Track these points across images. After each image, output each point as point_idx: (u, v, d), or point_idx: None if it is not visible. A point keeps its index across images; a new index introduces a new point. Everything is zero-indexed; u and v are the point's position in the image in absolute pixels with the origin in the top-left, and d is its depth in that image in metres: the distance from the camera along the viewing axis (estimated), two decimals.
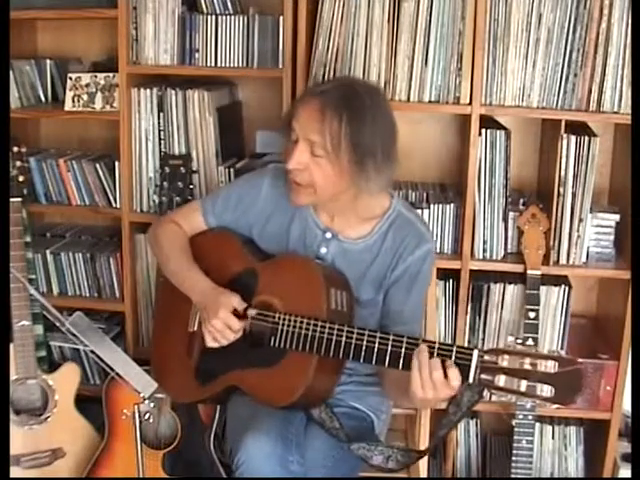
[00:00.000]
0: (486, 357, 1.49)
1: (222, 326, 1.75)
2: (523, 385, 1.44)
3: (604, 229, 2.33)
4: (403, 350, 1.59)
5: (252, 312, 1.79)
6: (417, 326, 1.87)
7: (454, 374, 1.52)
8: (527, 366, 1.44)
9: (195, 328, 1.87)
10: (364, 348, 1.63)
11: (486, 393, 2.43)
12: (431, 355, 1.54)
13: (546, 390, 1.42)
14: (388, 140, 1.76)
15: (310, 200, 1.81)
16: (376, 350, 1.62)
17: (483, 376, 1.48)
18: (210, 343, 1.79)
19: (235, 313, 1.77)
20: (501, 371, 1.46)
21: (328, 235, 1.87)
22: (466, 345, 2.27)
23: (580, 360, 2.28)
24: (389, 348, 1.60)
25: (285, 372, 1.72)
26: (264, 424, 1.72)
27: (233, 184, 2.05)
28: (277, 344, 1.72)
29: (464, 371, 1.51)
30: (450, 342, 1.60)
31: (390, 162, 1.76)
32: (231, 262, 1.89)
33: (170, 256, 1.95)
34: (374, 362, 1.62)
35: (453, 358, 1.53)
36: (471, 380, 1.50)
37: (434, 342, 1.57)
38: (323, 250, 1.87)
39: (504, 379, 1.46)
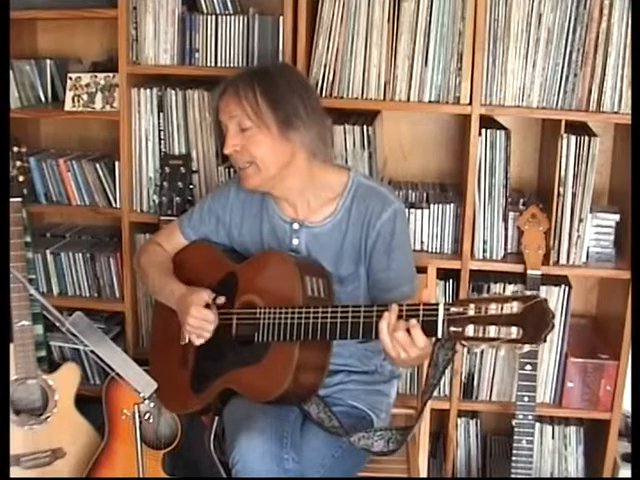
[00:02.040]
0: (452, 309, 1.48)
1: (197, 321, 1.80)
2: (492, 331, 1.43)
3: (604, 229, 2.32)
4: (374, 319, 1.59)
5: (221, 299, 1.83)
6: (409, 287, 1.87)
7: (417, 334, 1.52)
8: (493, 311, 1.43)
9: (187, 340, 1.88)
10: (338, 324, 1.64)
11: (485, 388, 2.45)
12: (400, 318, 1.55)
13: (515, 331, 1.41)
14: (307, 95, 1.83)
15: (259, 179, 1.83)
16: (349, 324, 1.62)
17: (452, 328, 1.47)
18: (196, 341, 1.84)
19: (214, 307, 1.82)
20: (469, 320, 1.45)
21: (295, 226, 1.90)
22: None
23: (580, 360, 2.32)
24: (361, 320, 1.61)
25: (271, 365, 1.74)
26: (258, 423, 1.73)
27: (204, 198, 2.10)
28: (262, 339, 1.74)
29: (432, 326, 1.50)
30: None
31: (317, 115, 1.83)
32: (213, 270, 1.94)
33: (150, 274, 2.02)
34: (349, 336, 1.63)
35: (421, 316, 1.52)
36: (440, 334, 1.49)
37: (402, 305, 1.57)
38: (295, 242, 1.90)
39: (473, 328, 1.44)
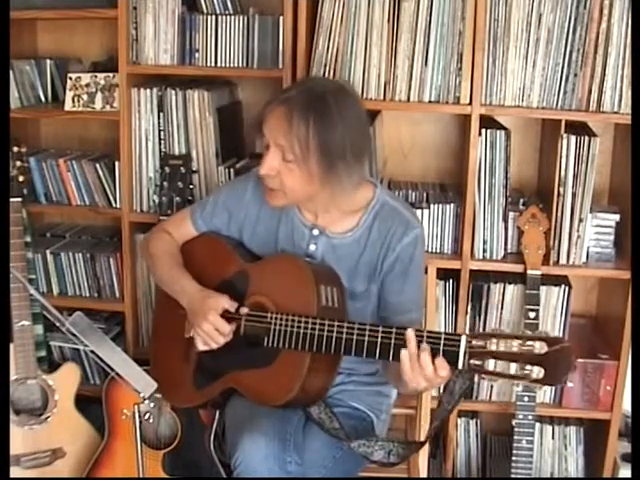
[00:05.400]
0: (474, 342, 1.48)
1: (211, 329, 1.76)
2: (513, 368, 1.43)
3: (604, 229, 2.32)
4: (392, 341, 1.58)
5: (244, 310, 1.80)
6: (417, 314, 1.86)
7: (442, 364, 1.52)
8: (515, 348, 1.43)
9: (191, 334, 1.87)
10: (354, 342, 1.63)
11: (485, 388, 2.45)
12: (420, 343, 1.54)
13: (536, 371, 1.41)
14: (358, 139, 1.76)
15: (284, 202, 1.81)
16: (366, 343, 1.61)
17: (472, 361, 1.47)
18: (200, 347, 1.81)
19: (226, 314, 1.78)
20: (490, 355, 1.45)
21: (315, 232, 1.88)
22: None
23: (580, 360, 2.32)
24: (379, 340, 1.60)
25: (280, 371, 1.73)
26: (261, 424, 1.72)
27: (220, 190, 2.07)
28: (271, 344, 1.72)
29: (453, 357, 1.50)
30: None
31: (361, 161, 1.78)
32: (223, 265, 1.91)
33: (159, 264, 1.98)
34: (365, 355, 1.62)
35: (442, 345, 1.52)
36: (460, 366, 1.50)
37: (422, 330, 1.56)
38: (312, 247, 1.88)
39: (493, 363, 1.44)
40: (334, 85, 1.83)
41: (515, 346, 1.43)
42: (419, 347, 1.54)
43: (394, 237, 1.82)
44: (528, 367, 1.42)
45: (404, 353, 1.55)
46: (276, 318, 1.73)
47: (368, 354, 1.62)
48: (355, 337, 1.62)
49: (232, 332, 1.78)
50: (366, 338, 1.61)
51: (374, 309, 1.88)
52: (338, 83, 1.90)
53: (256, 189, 1.92)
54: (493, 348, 1.45)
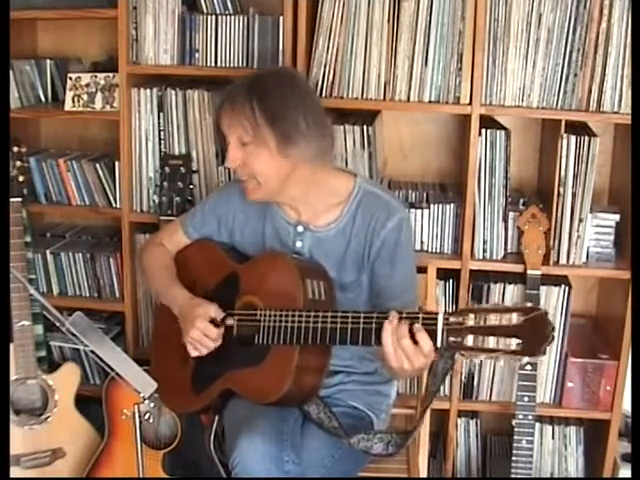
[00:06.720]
0: (452, 319, 1.47)
1: (200, 336, 1.80)
2: (491, 341, 1.42)
3: (604, 229, 2.32)
4: (373, 325, 1.59)
5: (230, 322, 1.83)
6: (411, 296, 1.86)
7: (424, 339, 1.51)
8: (492, 322, 1.43)
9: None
10: (338, 330, 1.63)
11: (485, 388, 2.45)
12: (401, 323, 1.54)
13: (514, 343, 1.40)
14: (307, 106, 1.78)
15: (261, 194, 1.82)
16: (349, 330, 1.62)
17: (451, 338, 1.47)
18: (192, 353, 1.84)
19: (215, 321, 1.81)
20: (468, 331, 1.45)
21: (300, 229, 1.89)
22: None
23: (580, 360, 2.31)
24: (361, 326, 1.60)
25: (271, 368, 1.74)
26: (259, 424, 1.73)
27: (207, 198, 2.10)
28: (262, 341, 1.74)
29: (432, 336, 1.50)
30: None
31: (320, 129, 1.79)
32: (215, 270, 1.94)
33: (153, 275, 2.02)
34: (349, 342, 1.62)
35: (420, 324, 1.51)
36: (439, 343, 1.49)
37: (401, 312, 1.56)
38: (299, 244, 1.89)
39: (472, 338, 1.44)
40: (275, 69, 2.08)
41: (492, 319, 1.43)
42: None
43: (378, 223, 1.82)
44: (505, 339, 1.41)
45: (385, 328, 1.54)
46: (264, 315, 1.74)
47: (352, 341, 1.62)
48: (339, 326, 1.63)
49: (221, 336, 1.81)
50: (349, 325, 1.62)
51: (366, 299, 1.89)
52: (279, 67, 2.12)
53: (242, 192, 1.94)
54: (471, 323, 1.45)
